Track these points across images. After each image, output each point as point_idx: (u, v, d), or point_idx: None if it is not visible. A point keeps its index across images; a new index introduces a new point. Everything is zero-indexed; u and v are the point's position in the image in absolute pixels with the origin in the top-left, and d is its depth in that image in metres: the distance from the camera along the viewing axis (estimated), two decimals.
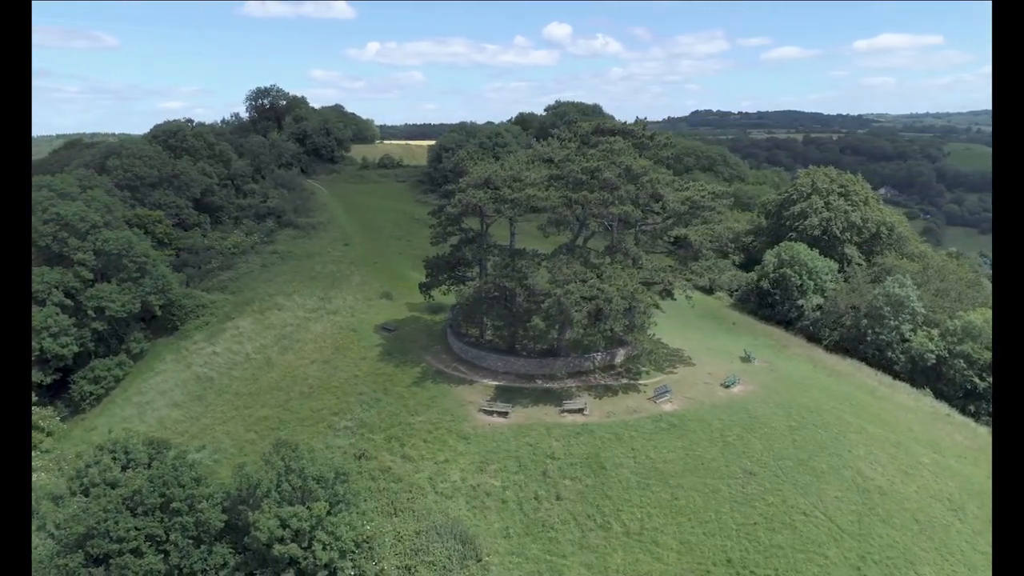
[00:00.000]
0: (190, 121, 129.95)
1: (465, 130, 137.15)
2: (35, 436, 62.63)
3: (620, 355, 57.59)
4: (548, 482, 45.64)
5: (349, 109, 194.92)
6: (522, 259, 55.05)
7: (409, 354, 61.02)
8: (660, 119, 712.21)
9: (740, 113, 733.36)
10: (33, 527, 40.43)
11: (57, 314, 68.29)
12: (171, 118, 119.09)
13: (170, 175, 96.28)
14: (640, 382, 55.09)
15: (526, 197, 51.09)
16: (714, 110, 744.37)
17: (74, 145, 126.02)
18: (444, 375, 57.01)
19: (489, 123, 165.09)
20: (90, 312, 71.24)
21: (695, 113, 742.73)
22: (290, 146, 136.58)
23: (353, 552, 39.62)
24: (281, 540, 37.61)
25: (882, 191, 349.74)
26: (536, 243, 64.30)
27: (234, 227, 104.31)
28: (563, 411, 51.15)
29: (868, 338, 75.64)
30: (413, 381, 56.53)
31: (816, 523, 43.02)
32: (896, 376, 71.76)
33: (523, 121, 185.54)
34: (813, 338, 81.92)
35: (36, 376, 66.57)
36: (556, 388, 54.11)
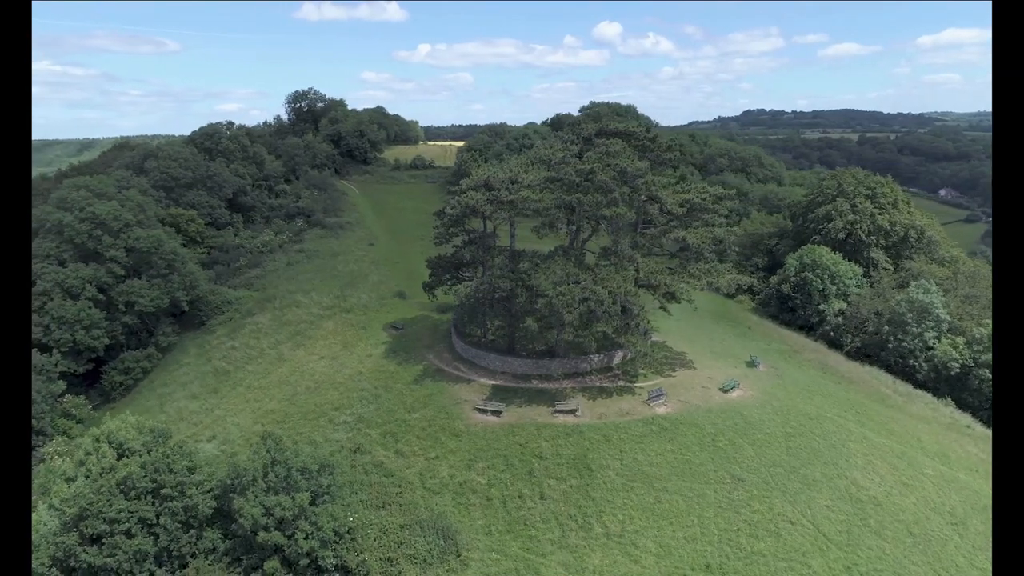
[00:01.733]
0: (230, 124, 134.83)
1: (494, 131, 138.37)
2: (65, 423, 66.43)
3: (618, 357, 57.50)
4: (533, 481, 46.10)
5: (399, 110, 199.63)
6: (521, 260, 55.57)
7: (412, 352, 62.30)
8: (710, 119, 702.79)
9: (794, 112, 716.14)
10: (44, 506, 43.10)
11: (90, 308, 72.19)
12: (227, 120, 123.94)
13: (204, 176, 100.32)
14: (636, 384, 54.90)
15: (521, 199, 51.61)
16: (767, 109, 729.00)
17: (122, 148, 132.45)
18: (444, 373, 58.02)
19: (531, 124, 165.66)
20: (121, 307, 75.08)
21: (747, 112, 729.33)
22: (324, 147, 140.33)
23: (335, 542, 40.96)
24: (265, 528, 39.30)
25: (941, 192, 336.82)
26: (543, 244, 64.64)
27: (265, 226, 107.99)
28: (556, 412, 51.49)
29: (890, 345, 73.43)
30: (413, 379, 57.74)
31: (802, 532, 42.29)
32: (918, 385, 69.44)
33: (558, 122, 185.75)
34: (835, 344, 79.92)
35: (69, 366, 70.42)
36: (551, 389, 54.44)
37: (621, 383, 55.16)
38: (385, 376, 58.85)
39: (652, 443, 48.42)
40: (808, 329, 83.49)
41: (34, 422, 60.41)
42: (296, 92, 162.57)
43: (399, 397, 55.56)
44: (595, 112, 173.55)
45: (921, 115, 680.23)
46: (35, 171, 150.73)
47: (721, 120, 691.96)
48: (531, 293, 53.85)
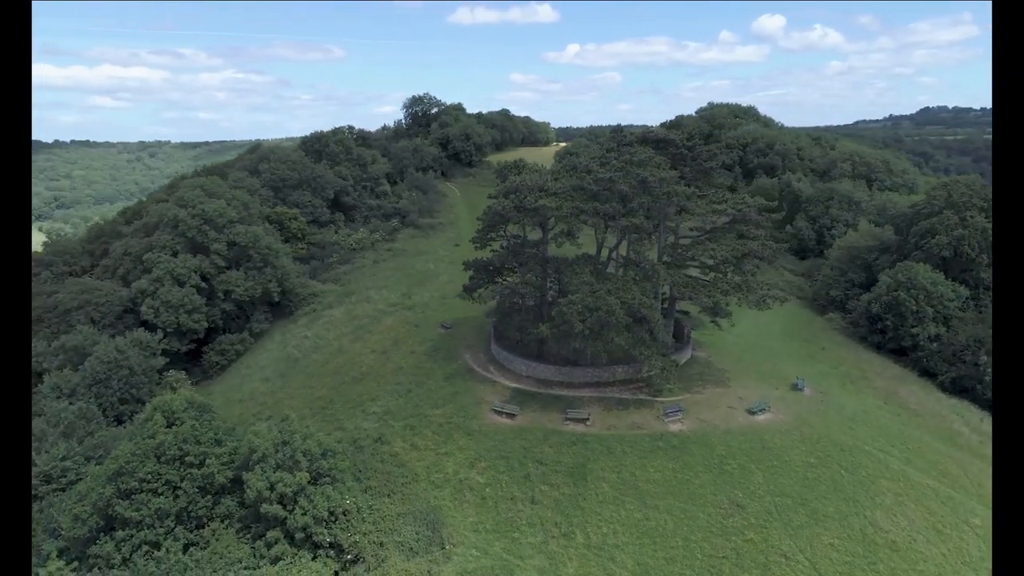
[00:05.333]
0: (351, 128, 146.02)
1: (593, 133, 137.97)
2: (166, 395, 76.01)
3: (643, 370, 56.27)
4: (528, 485, 46.84)
5: (544, 112, 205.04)
6: (551, 267, 56.20)
7: (453, 351, 64.77)
8: (880, 117, 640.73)
9: (983, 109, 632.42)
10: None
11: (193, 294, 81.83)
12: (383, 122, 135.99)
13: (309, 177, 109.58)
14: (657, 399, 53.60)
15: (542, 207, 52.22)
16: (949, 106, 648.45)
17: (254, 150, 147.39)
18: (473, 374, 59.92)
19: (670, 122, 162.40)
20: (220, 294, 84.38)
21: (924, 110, 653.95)
22: (431, 151, 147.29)
23: (330, 521, 44.23)
24: (268, 501, 43.41)
25: None
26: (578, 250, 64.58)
27: (364, 225, 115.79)
28: (567, 419, 51.71)
29: (986, 378, 65.36)
30: (445, 377, 60.17)
31: (795, 568, 39.67)
32: None
33: (676, 124, 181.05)
34: (928, 373, 72.32)
35: (174, 345, 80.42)
36: (569, 396, 54.59)
37: (642, 396, 54.14)
38: (421, 373, 61.77)
39: (655, 459, 47.32)
40: (900, 354, 76.07)
41: (133, 391, 69.88)
42: (412, 97, 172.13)
43: (428, 393, 58.22)
44: (709, 114, 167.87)
45: None
46: None
47: (893, 119, 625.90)
48: (563, 297, 54.32)
